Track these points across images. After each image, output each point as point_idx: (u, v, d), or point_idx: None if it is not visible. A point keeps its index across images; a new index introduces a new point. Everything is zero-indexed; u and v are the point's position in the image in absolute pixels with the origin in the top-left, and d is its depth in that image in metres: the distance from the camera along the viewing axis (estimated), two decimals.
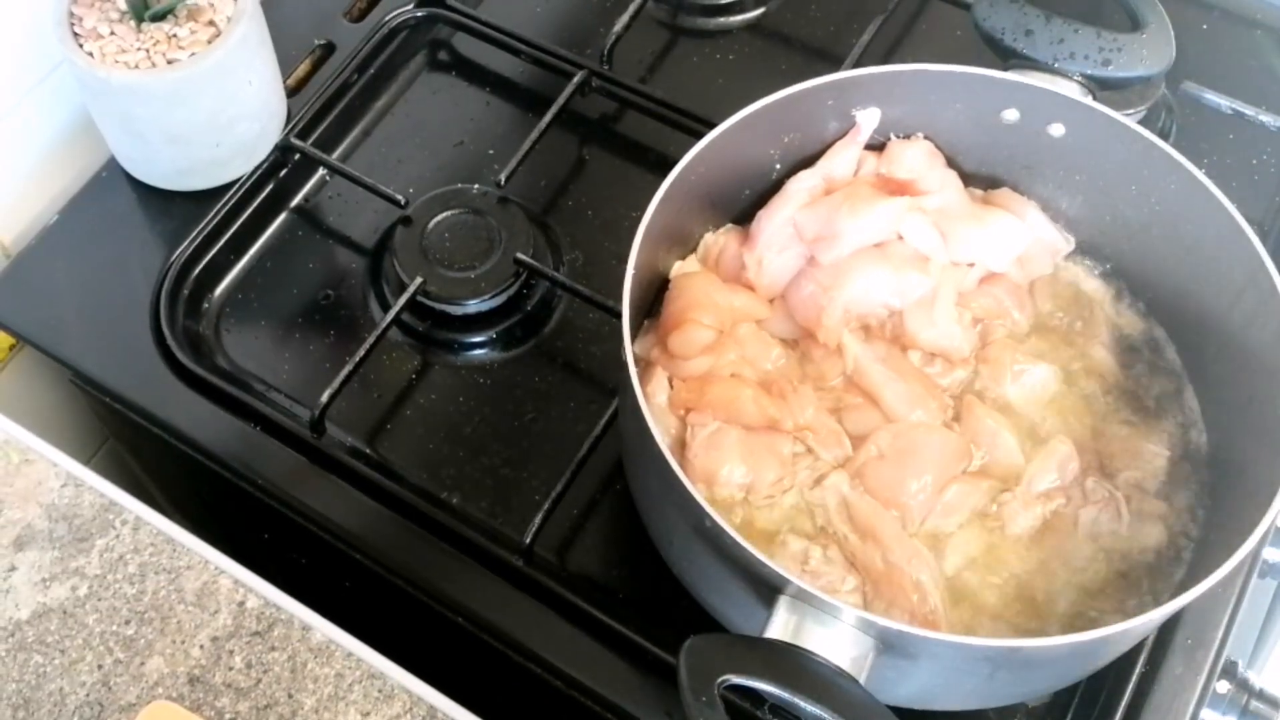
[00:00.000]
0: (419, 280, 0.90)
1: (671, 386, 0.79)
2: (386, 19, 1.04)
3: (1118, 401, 0.81)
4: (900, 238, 0.82)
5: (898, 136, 0.85)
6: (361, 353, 0.87)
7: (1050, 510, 0.77)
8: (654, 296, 0.83)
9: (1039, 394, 0.80)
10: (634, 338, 0.74)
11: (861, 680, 0.64)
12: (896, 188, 0.83)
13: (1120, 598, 0.75)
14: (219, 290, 0.95)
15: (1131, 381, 0.81)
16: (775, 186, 0.85)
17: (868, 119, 0.83)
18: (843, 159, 0.84)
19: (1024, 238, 0.83)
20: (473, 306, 0.91)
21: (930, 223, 0.82)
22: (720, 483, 0.76)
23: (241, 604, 0.80)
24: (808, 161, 0.85)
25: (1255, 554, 0.82)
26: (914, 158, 0.84)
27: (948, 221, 0.82)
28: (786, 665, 0.63)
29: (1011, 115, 0.81)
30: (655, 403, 0.78)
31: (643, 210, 0.74)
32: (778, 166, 0.85)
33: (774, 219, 0.82)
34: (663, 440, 0.68)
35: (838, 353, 0.80)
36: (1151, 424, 0.80)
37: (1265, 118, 0.98)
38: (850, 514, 0.76)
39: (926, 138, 0.84)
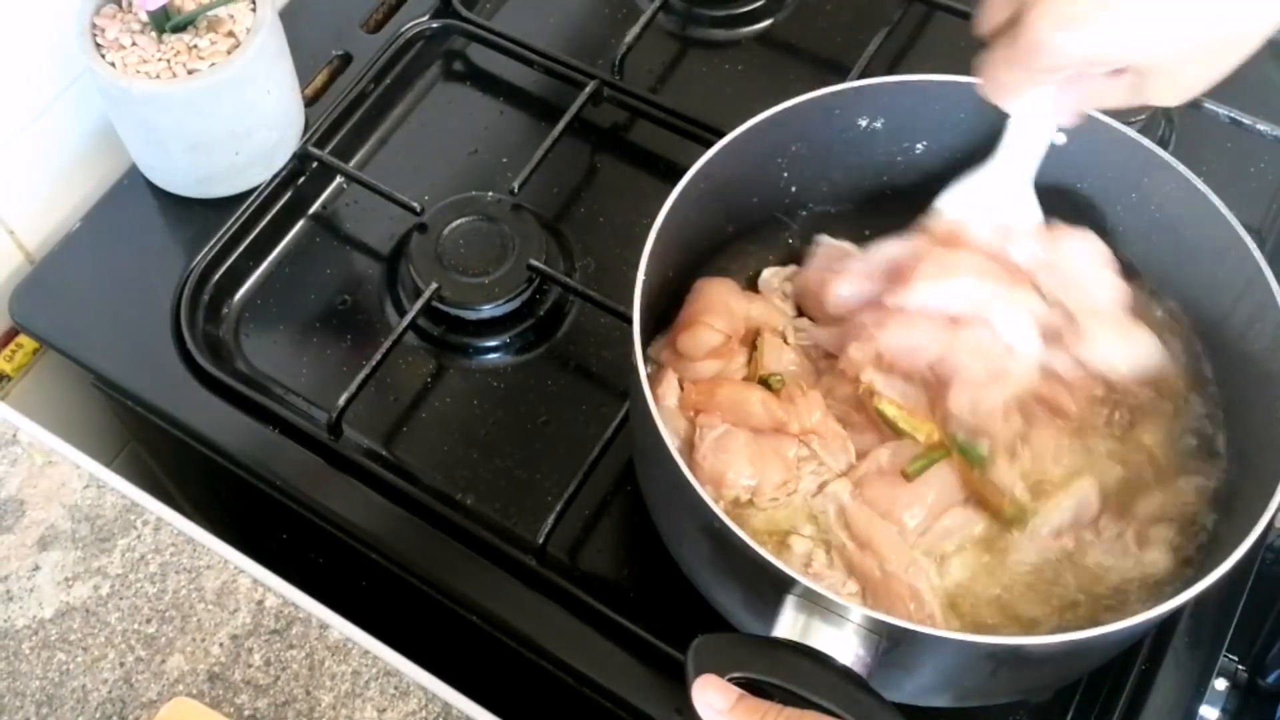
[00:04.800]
0: (434, 286, 0.91)
1: (682, 388, 0.80)
2: (402, 30, 1.05)
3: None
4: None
5: (914, 148, 0.85)
6: (378, 357, 0.88)
7: (1058, 547, 0.75)
8: (665, 302, 0.84)
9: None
10: (645, 343, 0.75)
11: (867, 678, 0.64)
12: (1014, 271, 0.79)
13: (1121, 607, 0.74)
14: (238, 296, 0.96)
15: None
16: (782, 193, 0.86)
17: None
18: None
19: (1158, 361, 0.80)
20: (487, 311, 0.92)
21: (1034, 322, 0.78)
22: (727, 484, 0.76)
23: (260, 603, 0.80)
24: (814, 169, 0.85)
25: (1255, 554, 0.82)
26: (1075, 252, 0.80)
27: (1087, 318, 0.79)
28: (793, 663, 0.64)
29: None
30: (665, 405, 0.79)
31: (653, 217, 0.75)
32: (785, 174, 0.85)
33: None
34: (672, 443, 0.68)
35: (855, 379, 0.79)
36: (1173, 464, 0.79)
37: (1262, 126, 0.98)
38: (848, 522, 0.76)
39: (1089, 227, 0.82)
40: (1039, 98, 0.72)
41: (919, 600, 0.72)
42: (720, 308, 0.81)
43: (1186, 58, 0.64)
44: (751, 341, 0.83)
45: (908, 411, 0.78)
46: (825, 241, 0.86)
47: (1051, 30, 0.63)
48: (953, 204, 0.80)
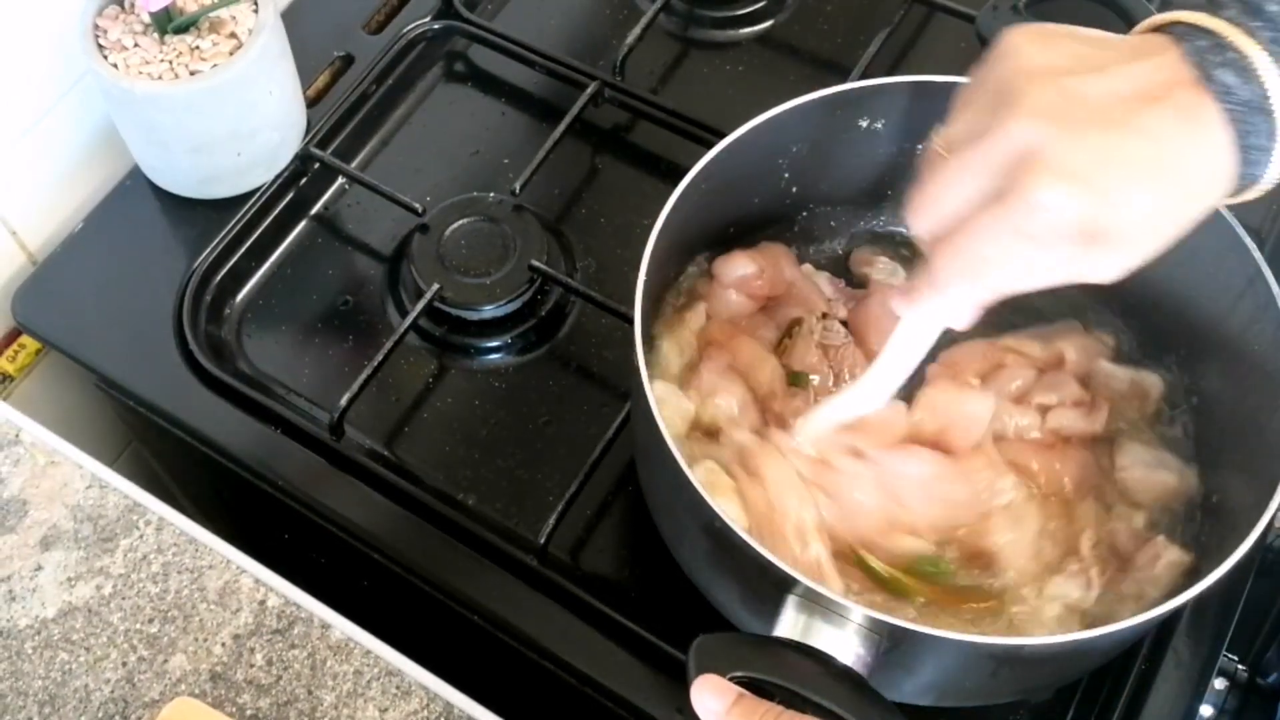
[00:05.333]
0: (436, 286, 0.91)
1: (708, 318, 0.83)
2: (404, 31, 1.05)
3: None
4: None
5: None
6: (380, 357, 0.88)
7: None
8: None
9: None
10: (646, 343, 0.75)
11: (868, 678, 0.65)
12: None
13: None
14: (240, 296, 0.96)
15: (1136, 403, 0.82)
16: (783, 194, 0.86)
17: None
18: None
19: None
20: (488, 312, 0.93)
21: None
22: (711, 403, 0.79)
23: (262, 603, 0.81)
24: (815, 170, 0.85)
25: (1255, 554, 0.83)
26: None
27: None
28: (794, 663, 0.64)
29: None
30: (689, 327, 0.81)
31: (654, 218, 0.75)
32: (786, 175, 0.85)
33: None
34: (674, 443, 0.69)
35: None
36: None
37: None
38: (743, 457, 0.76)
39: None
40: (940, 306, 0.66)
41: (803, 539, 0.72)
42: (770, 256, 0.83)
43: (1147, 219, 0.60)
44: (788, 328, 0.84)
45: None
46: (880, 268, 0.87)
47: (1052, 189, 0.58)
48: (811, 431, 0.77)
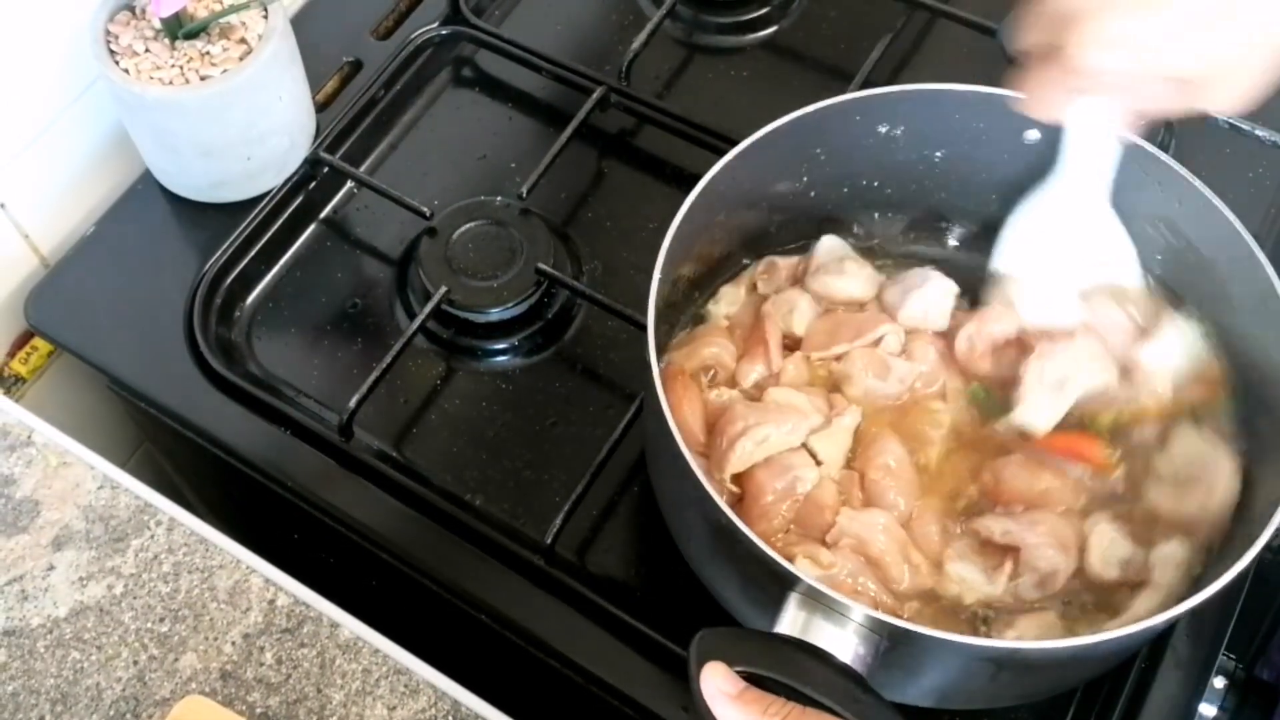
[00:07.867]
0: (444, 289, 0.92)
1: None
2: (412, 37, 1.06)
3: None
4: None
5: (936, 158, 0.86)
6: (388, 359, 0.89)
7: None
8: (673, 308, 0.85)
9: None
10: (659, 343, 0.75)
11: (867, 677, 0.65)
12: None
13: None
14: (250, 299, 0.96)
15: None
16: (800, 199, 0.86)
17: None
18: None
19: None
20: (495, 315, 0.93)
21: None
22: None
23: (272, 602, 0.81)
24: (834, 175, 0.85)
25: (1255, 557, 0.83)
26: None
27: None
28: (794, 659, 0.65)
29: (1033, 135, 0.80)
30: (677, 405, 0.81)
31: (660, 221, 0.75)
32: (805, 179, 0.85)
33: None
34: (682, 440, 0.69)
35: None
36: None
37: (1261, 132, 0.98)
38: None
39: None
40: (1092, 107, 0.70)
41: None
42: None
43: (1236, 67, 0.63)
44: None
45: None
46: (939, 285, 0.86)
47: (1097, 54, 0.62)
48: (1013, 255, 0.78)
